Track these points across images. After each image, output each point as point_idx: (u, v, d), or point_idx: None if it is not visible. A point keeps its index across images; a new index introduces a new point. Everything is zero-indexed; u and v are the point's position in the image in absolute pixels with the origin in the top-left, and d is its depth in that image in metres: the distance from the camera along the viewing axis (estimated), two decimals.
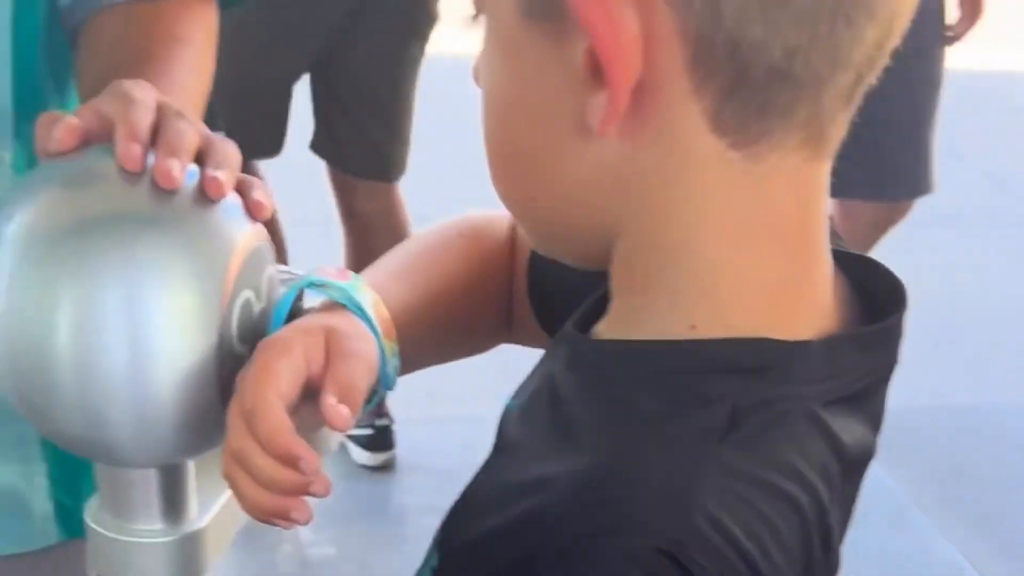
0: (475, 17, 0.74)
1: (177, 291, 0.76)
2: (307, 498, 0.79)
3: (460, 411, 3.09)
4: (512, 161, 0.72)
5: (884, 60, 0.66)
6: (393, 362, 0.87)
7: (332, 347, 0.81)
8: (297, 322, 0.83)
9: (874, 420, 0.74)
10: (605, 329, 0.74)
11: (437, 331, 0.96)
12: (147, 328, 0.76)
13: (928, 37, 2.91)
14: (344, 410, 0.78)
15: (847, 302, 0.73)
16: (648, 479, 0.64)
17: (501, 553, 0.68)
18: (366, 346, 0.84)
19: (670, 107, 0.64)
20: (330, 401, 0.78)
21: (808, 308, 0.70)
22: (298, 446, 0.77)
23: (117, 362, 0.76)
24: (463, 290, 0.97)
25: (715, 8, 0.62)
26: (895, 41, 0.66)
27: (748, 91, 0.63)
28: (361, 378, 0.81)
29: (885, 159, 2.89)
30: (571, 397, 0.72)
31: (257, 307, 0.82)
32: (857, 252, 0.76)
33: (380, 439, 3.15)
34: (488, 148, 0.72)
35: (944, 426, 3.42)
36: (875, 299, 0.73)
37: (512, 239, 1.00)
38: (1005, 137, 5.44)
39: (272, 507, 0.79)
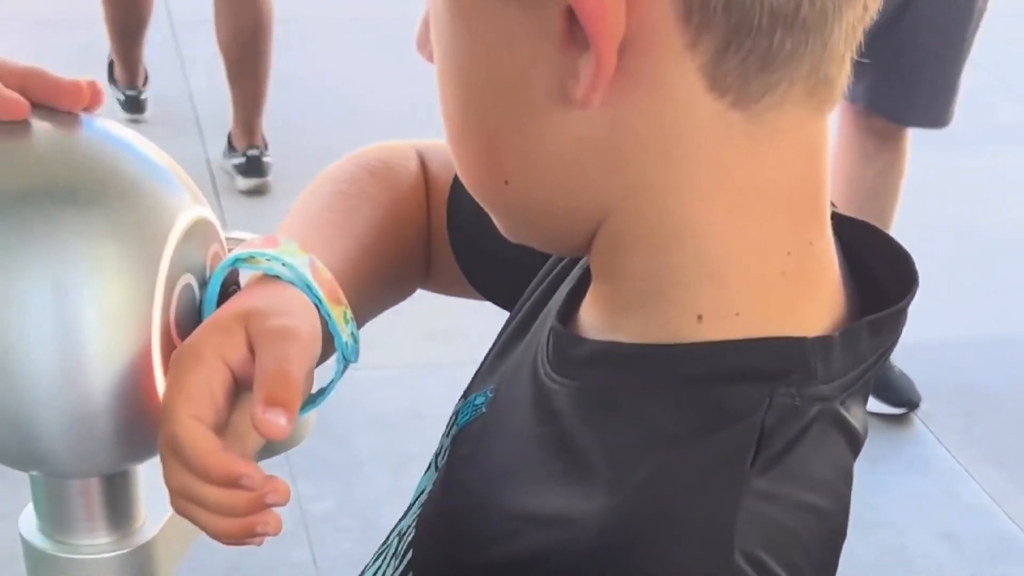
0: None
1: (104, 280, 0.68)
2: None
3: (461, 356, 3.00)
4: (478, 141, 0.65)
5: None
6: (348, 329, 0.75)
7: (254, 335, 0.69)
8: (208, 319, 0.71)
9: (867, 396, 0.69)
10: (588, 320, 0.68)
11: (365, 287, 0.85)
12: (74, 324, 0.68)
13: None
14: (274, 417, 0.65)
15: (846, 274, 0.68)
16: (680, 517, 0.59)
17: None
18: (298, 321, 0.70)
19: (661, 67, 0.59)
20: (256, 412, 0.65)
21: (821, 289, 0.65)
22: (233, 465, 0.66)
23: (43, 363, 0.68)
24: (385, 238, 0.87)
25: None
26: None
27: (749, 42, 0.58)
28: (294, 361, 0.68)
29: (913, 83, 2.90)
30: (568, 411, 0.65)
31: (201, 293, 0.74)
32: (852, 216, 0.70)
33: (251, 166, 3.71)
34: (448, 128, 0.66)
35: (968, 359, 3.32)
36: (873, 268, 0.68)
37: (423, 171, 0.91)
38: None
39: (236, 531, 0.68)
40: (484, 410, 0.74)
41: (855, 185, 2.91)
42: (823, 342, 0.63)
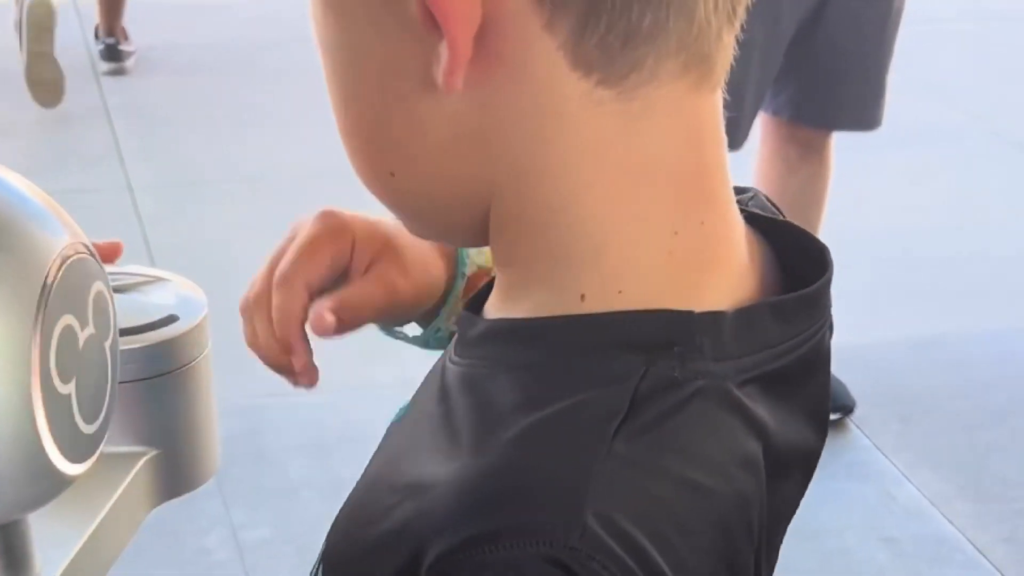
0: None
1: None
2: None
3: (397, 377, 2.98)
4: (361, 133, 0.65)
5: None
6: (453, 316, 0.89)
7: (376, 262, 0.86)
8: (370, 216, 0.86)
9: (815, 414, 0.67)
10: (491, 307, 0.68)
11: None
12: None
13: None
14: (327, 320, 0.83)
15: (770, 273, 0.67)
16: (534, 478, 0.58)
17: (384, 564, 0.62)
18: (410, 280, 0.87)
19: (521, 48, 0.59)
20: (320, 306, 0.83)
21: (718, 271, 0.64)
22: (297, 343, 0.84)
23: None
24: None
25: None
26: None
27: (606, 18, 0.58)
28: (369, 303, 0.86)
29: (838, 88, 2.91)
30: (455, 388, 0.66)
31: (83, 334, 0.70)
32: (781, 219, 0.70)
33: (109, 52, 4.94)
34: (337, 122, 0.66)
35: (901, 361, 3.34)
36: (798, 268, 0.67)
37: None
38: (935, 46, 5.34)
39: (273, 362, 0.87)
40: (408, 407, 0.75)
41: (780, 197, 2.90)
42: (712, 317, 0.62)
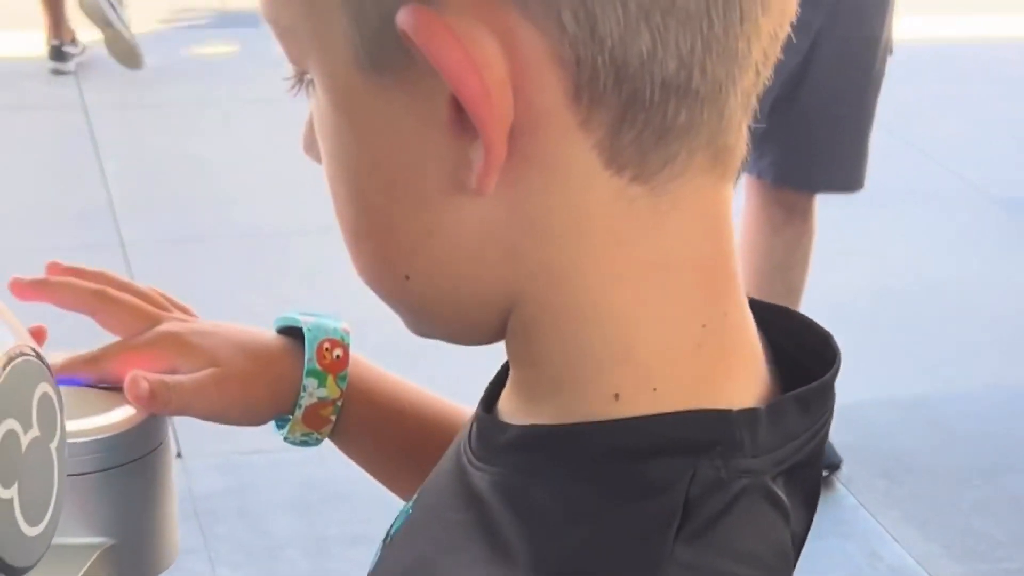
0: (295, 81, 0.63)
1: None
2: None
3: None
4: (373, 238, 0.63)
5: (777, 52, 0.60)
6: (286, 433, 0.94)
7: (204, 351, 0.91)
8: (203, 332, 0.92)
9: (811, 496, 0.67)
10: (509, 407, 0.66)
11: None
12: None
13: (875, 28, 2.91)
14: (141, 385, 0.87)
15: (772, 359, 0.66)
16: None
17: None
18: (239, 369, 0.91)
19: (555, 148, 0.57)
20: (139, 374, 0.88)
21: (743, 362, 0.64)
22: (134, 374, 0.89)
23: None
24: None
25: (591, 22, 0.54)
26: (787, 29, 0.60)
27: (643, 115, 0.57)
28: (195, 390, 0.90)
29: (820, 151, 2.94)
30: (489, 496, 0.63)
31: (27, 437, 0.69)
32: (775, 304, 0.69)
33: (55, 53, 5.21)
34: (342, 226, 0.63)
35: (887, 420, 3.34)
36: (790, 349, 0.67)
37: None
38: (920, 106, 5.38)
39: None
40: (411, 510, 0.72)
41: (765, 258, 2.92)
42: (749, 415, 0.61)
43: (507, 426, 0.65)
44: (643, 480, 0.59)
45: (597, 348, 0.61)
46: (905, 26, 3.17)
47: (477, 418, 0.67)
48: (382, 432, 0.97)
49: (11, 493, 0.67)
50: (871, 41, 2.88)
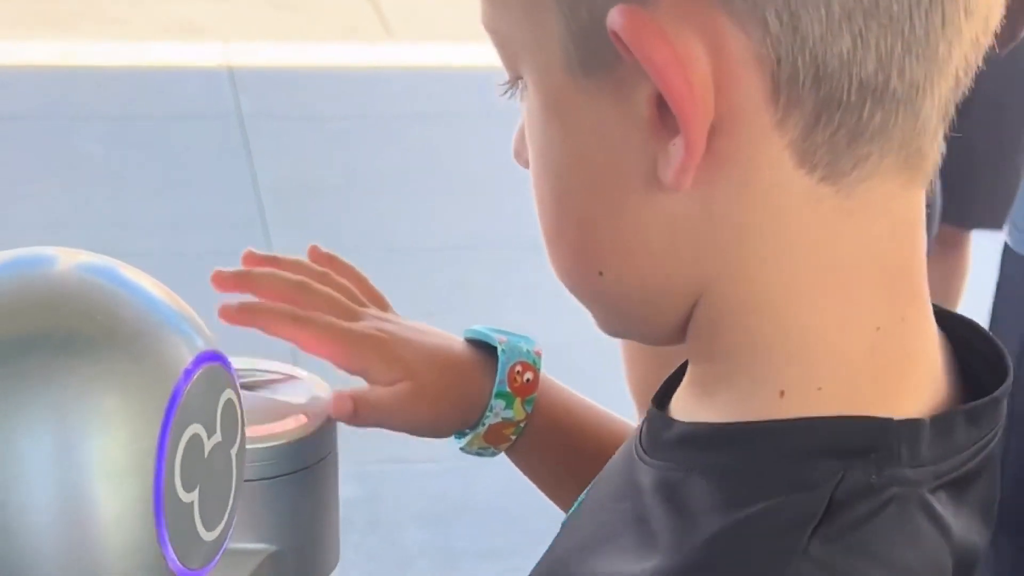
0: (509, 87, 0.66)
1: (104, 435, 0.65)
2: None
3: None
4: (574, 234, 0.65)
5: (979, 59, 0.61)
6: (465, 445, 0.97)
7: (401, 366, 0.94)
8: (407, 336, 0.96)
9: (987, 509, 0.67)
10: (680, 403, 0.68)
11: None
12: (75, 481, 0.65)
13: None
14: (347, 405, 0.91)
15: (952, 369, 0.66)
16: (727, 574, 0.58)
17: None
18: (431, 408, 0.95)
19: (751, 147, 0.58)
20: (343, 392, 0.92)
21: (916, 369, 0.63)
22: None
23: (42, 521, 0.65)
24: None
25: (794, 23, 0.56)
26: (990, 37, 0.60)
27: (838, 116, 0.57)
28: (386, 408, 0.94)
29: (976, 186, 2.91)
30: (648, 489, 0.65)
31: (210, 443, 0.70)
32: (956, 313, 0.69)
33: None
34: (544, 225, 0.66)
35: None
36: (971, 361, 0.67)
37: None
38: None
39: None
40: (584, 496, 0.75)
41: None
42: (911, 425, 0.61)
43: (673, 422, 0.66)
44: (793, 479, 0.60)
45: (771, 344, 0.62)
46: None
47: (648, 413, 0.69)
48: (559, 452, 0.99)
49: (192, 497, 0.69)
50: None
